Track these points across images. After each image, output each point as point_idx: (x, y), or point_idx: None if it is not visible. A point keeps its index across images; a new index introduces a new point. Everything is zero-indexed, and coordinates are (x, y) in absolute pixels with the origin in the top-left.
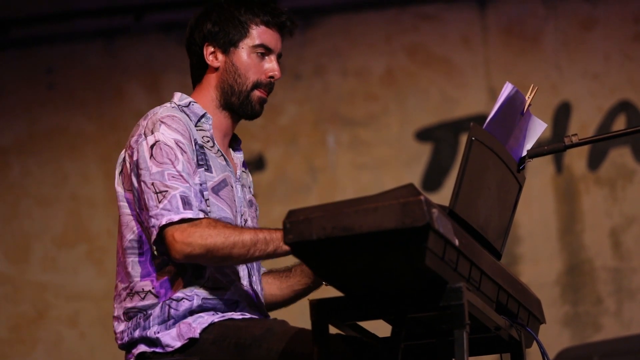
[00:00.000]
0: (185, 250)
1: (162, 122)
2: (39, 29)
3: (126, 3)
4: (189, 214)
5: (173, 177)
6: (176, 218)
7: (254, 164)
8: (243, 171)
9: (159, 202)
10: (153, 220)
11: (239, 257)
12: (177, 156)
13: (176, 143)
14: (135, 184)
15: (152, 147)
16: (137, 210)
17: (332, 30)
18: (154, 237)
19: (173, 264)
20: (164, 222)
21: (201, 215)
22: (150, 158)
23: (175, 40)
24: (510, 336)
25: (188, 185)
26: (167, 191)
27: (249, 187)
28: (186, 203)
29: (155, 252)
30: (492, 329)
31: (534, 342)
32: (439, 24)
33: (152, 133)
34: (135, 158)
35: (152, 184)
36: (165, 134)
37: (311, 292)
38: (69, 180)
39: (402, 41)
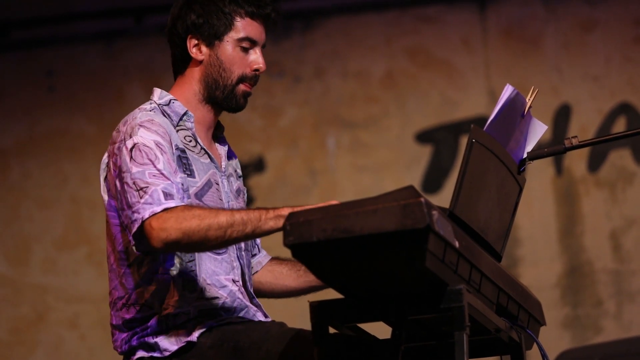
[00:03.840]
0: (161, 236)
1: (140, 125)
2: (40, 31)
3: (126, 5)
4: (171, 204)
5: (154, 175)
6: (159, 209)
7: (254, 166)
8: (229, 161)
9: (140, 197)
10: (135, 215)
11: (216, 239)
12: (157, 156)
13: (156, 144)
14: (119, 188)
15: (131, 150)
16: (120, 212)
17: (332, 32)
18: (134, 230)
19: (161, 273)
20: (146, 216)
21: (182, 204)
22: (130, 160)
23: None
24: (510, 338)
25: (170, 182)
26: (147, 187)
27: (236, 173)
28: (168, 195)
29: (134, 248)
30: (492, 331)
31: (534, 344)
32: (439, 26)
33: (131, 137)
34: (118, 164)
35: (134, 182)
36: (144, 136)
37: (326, 289)
38: (69, 182)
39: (402, 43)
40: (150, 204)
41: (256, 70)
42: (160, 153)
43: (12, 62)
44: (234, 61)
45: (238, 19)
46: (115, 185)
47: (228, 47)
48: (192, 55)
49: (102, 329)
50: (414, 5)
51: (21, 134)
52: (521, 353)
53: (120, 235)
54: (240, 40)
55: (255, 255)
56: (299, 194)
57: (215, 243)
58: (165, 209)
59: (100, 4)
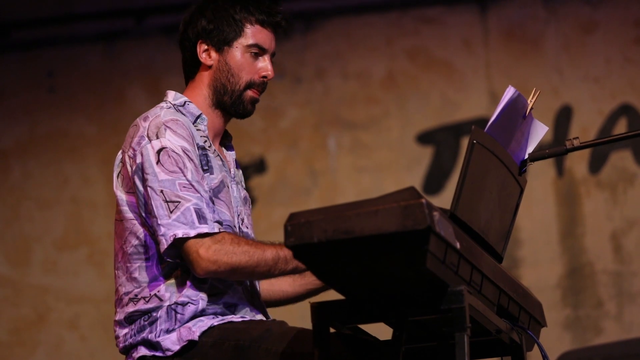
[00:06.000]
0: (210, 268)
1: (166, 126)
2: (40, 32)
3: (127, 6)
4: (204, 229)
5: (184, 187)
6: (192, 233)
7: (255, 167)
8: (235, 168)
9: (171, 212)
10: (163, 230)
11: (261, 274)
12: (186, 164)
13: (183, 151)
14: (141, 189)
15: (158, 152)
16: (144, 214)
17: (333, 33)
18: (164, 246)
19: (180, 268)
20: (180, 235)
21: (216, 228)
22: (157, 164)
23: (176, 43)
24: (511, 339)
25: (199, 195)
26: (179, 202)
27: (241, 183)
28: (201, 217)
29: (168, 259)
30: (493, 332)
31: (535, 345)
32: (440, 27)
33: (158, 138)
34: (139, 161)
35: (162, 191)
36: (171, 140)
37: (324, 292)
38: (69, 183)
39: (403, 44)
40: (184, 223)
41: (264, 77)
42: (188, 161)
43: (13, 63)
44: (243, 67)
45: (248, 26)
46: (135, 183)
47: (237, 53)
48: (202, 60)
49: (103, 329)
50: (414, 6)
51: (22, 135)
52: (522, 354)
53: (139, 227)
54: (250, 46)
55: None
56: (300, 195)
57: (259, 277)
58: (200, 234)
59: (101, 4)
